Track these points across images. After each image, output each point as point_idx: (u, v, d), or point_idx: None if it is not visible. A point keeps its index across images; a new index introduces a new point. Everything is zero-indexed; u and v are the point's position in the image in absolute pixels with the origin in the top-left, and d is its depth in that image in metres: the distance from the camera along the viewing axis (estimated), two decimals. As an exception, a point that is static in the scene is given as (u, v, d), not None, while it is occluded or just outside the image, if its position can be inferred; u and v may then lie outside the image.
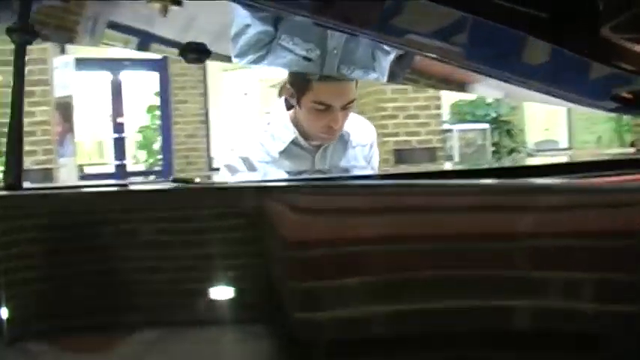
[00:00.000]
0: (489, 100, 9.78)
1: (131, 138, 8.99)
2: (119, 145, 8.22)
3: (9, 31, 1.15)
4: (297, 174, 2.10)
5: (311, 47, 2.07)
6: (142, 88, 10.16)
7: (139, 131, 10.04)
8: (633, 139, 10.28)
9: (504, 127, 9.44)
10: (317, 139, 2.14)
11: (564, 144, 11.89)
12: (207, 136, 8.77)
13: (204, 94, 8.72)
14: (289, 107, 2.18)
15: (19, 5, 1.16)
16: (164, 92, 8.58)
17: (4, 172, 1.12)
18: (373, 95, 6.91)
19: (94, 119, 8.92)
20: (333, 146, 2.17)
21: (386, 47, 2.18)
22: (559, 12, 1.42)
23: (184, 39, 2.32)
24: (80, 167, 8.06)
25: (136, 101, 9.27)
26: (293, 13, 1.64)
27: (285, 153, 2.14)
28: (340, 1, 1.47)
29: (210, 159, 8.76)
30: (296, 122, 2.13)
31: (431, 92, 7.22)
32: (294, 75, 2.06)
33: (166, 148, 8.60)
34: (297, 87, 2.06)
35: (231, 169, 2.11)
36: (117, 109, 8.26)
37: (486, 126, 8.40)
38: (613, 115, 10.87)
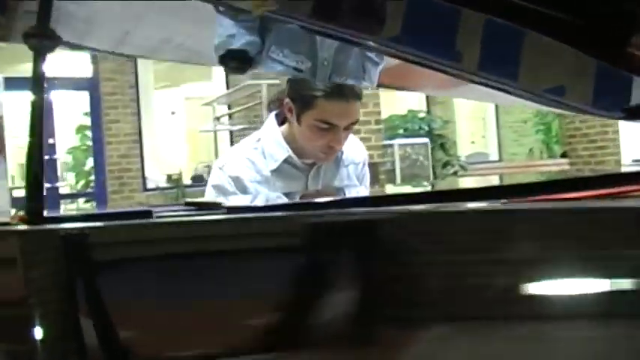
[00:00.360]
0: (421, 114, 9.85)
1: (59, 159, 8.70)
2: (51, 167, 7.90)
3: (26, 37, 1.02)
4: (291, 194, 1.98)
5: (301, 59, 1.98)
6: (69, 108, 9.87)
7: (68, 152, 9.74)
8: (564, 150, 10.45)
9: (438, 141, 9.48)
10: (314, 158, 2.03)
11: (495, 156, 12.06)
12: (141, 156, 8.54)
13: (137, 113, 8.50)
14: (281, 123, 2.06)
15: (38, 8, 1.02)
16: (95, 112, 8.33)
17: (27, 201, 0.99)
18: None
19: (17, 140, 8.60)
20: (325, 165, 2.07)
21: (375, 58, 2.11)
22: (593, 19, 1.37)
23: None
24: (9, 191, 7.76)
25: (64, 121, 8.98)
26: (295, 20, 1.55)
27: (277, 172, 2.01)
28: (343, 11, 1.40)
29: (144, 179, 8.54)
30: (289, 139, 2.01)
31: (371, 107, 7.19)
32: (296, 89, 1.95)
33: (99, 169, 8.34)
34: (300, 103, 1.93)
35: (221, 190, 1.98)
36: (47, 130, 7.93)
37: (426, 140, 8.40)
38: (542, 126, 11.07)
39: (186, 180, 9.46)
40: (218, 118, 8.22)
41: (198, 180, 9.29)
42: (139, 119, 8.54)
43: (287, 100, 1.97)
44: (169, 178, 9.53)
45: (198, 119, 13.42)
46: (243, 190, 1.96)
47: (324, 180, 2.06)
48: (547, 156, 10.82)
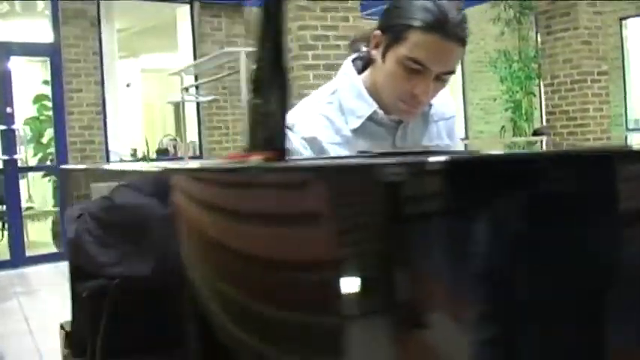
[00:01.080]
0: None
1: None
2: (9, 138, 7.43)
3: None
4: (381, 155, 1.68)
5: None
6: (26, 76, 9.39)
7: (26, 123, 9.29)
8: (536, 127, 10.33)
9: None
10: (392, 109, 1.67)
11: (461, 134, 11.93)
12: (105, 127, 8.13)
13: (101, 82, 8.07)
14: (360, 70, 1.72)
15: None
16: (56, 80, 7.86)
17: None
18: (295, 82, 6.51)
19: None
20: (413, 121, 1.73)
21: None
22: None
23: None
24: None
25: (21, 90, 8.51)
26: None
27: (359, 131, 1.66)
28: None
29: (107, 152, 8.13)
30: (372, 91, 1.67)
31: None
32: (390, 19, 1.59)
33: (60, 140, 7.89)
34: (390, 34, 1.58)
35: (294, 154, 1.61)
36: (5, 98, 7.46)
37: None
38: (511, 104, 10.95)
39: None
40: (186, 89, 7.85)
41: (164, 153, 8.94)
42: (103, 89, 8.12)
43: (376, 32, 1.61)
44: (135, 152, 9.16)
45: (155, 91, 13.03)
46: (321, 154, 1.64)
47: (412, 139, 1.73)
48: (517, 134, 10.71)
